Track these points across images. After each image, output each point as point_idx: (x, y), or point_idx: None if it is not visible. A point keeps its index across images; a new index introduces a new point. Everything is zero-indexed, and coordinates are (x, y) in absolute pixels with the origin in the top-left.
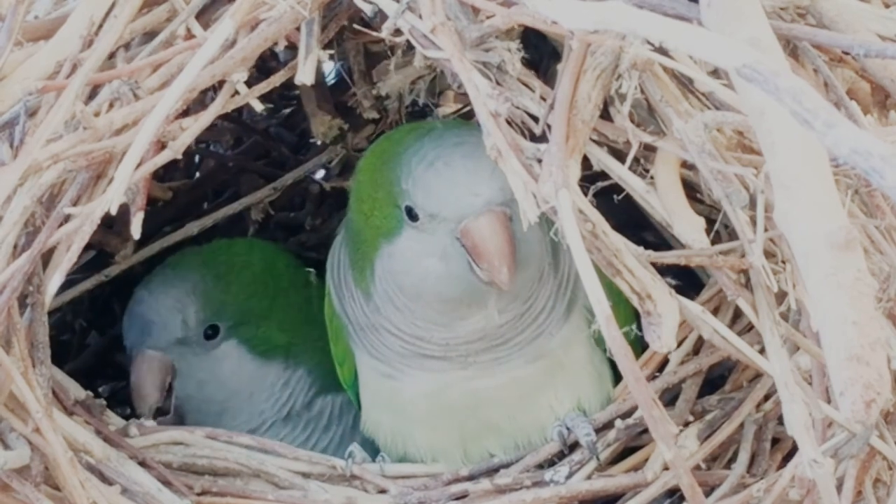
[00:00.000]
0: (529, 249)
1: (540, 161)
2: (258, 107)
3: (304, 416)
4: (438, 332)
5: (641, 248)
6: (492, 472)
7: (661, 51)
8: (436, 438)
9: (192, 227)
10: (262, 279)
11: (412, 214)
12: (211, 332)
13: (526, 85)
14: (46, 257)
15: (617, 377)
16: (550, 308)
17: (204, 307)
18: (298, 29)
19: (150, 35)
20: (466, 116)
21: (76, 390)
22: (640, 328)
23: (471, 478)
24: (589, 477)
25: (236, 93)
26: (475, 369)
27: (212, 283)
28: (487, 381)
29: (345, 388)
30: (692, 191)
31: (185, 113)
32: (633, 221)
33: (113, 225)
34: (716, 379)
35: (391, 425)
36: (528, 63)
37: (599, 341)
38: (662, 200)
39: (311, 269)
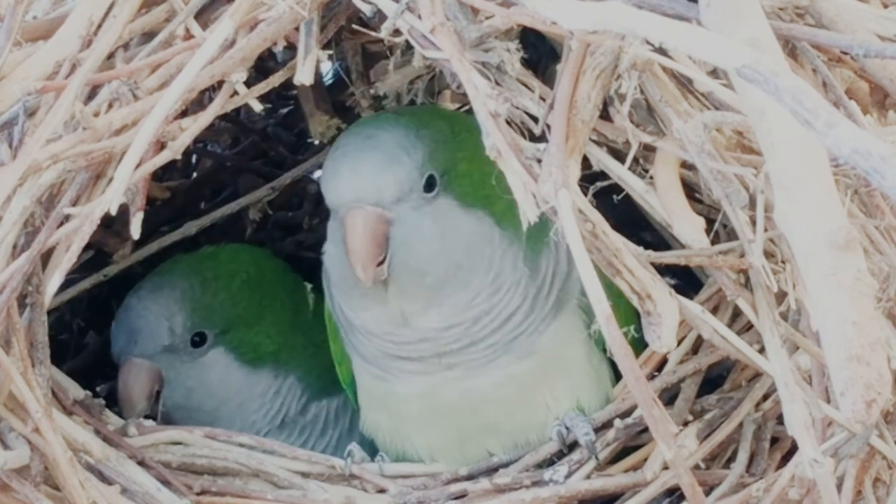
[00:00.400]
0: (430, 260)
1: (540, 161)
2: (257, 107)
3: (300, 423)
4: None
5: (641, 248)
6: (491, 471)
7: (661, 51)
8: (433, 438)
9: (191, 227)
10: (249, 285)
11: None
12: (198, 340)
13: (525, 85)
14: (46, 257)
15: (616, 376)
16: (527, 310)
17: (191, 314)
18: (297, 29)
19: (149, 35)
20: None
21: (75, 390)
22: (639, 328)
23: (470, 477)
24: (588, 476)
25: (235, 93)
26: (461, 370)
27: (199, 290)
28: (480, 381)
29: (343, 387)
30: (692, 191)
31: (184, 113)
32: (632, 221)
33: (112, 225)
34: (715, 378)
35: (389, 425)
36: (527, 63)
37: (598, 340)
38: (662, 200)
39: (305, 280)
